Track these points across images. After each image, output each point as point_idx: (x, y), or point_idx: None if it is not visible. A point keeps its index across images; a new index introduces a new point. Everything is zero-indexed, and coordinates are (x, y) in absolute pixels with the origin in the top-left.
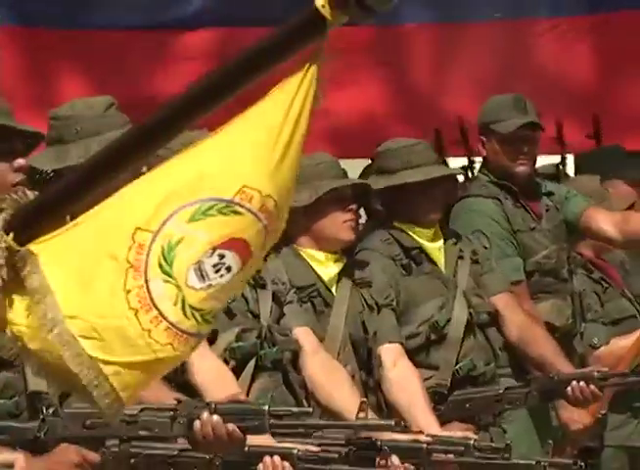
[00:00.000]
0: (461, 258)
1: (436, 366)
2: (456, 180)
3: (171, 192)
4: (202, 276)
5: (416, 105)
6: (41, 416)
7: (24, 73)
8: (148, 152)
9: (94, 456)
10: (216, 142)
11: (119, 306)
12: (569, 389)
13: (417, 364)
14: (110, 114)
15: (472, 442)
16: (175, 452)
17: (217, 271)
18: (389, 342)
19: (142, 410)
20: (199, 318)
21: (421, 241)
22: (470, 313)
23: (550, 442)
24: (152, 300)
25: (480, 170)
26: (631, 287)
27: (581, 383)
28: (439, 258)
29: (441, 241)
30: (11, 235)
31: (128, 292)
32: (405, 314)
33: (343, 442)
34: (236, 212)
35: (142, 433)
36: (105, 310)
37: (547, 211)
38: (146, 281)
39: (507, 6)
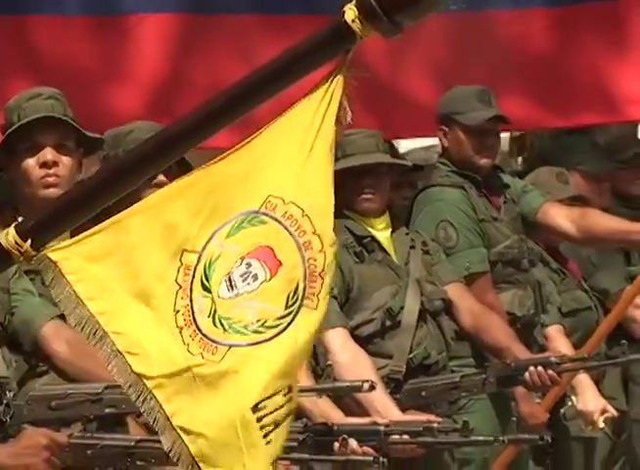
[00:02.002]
0: (412, 247)
1: (390, 355)
2: (410, 171)
3: (211, 211)
4: (231, 286)
5: (376, 94)
6: (5, 401)
7: None
8: (168, 160)
9: (62, 438)
10: (244, 155)
11: (168, 326)
12: (526, 374)
13: (371, 353)
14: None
15: (435, 424)
16: (132, 443)
17: (245, 280)
18: (333, 327)
19: (106, 388)
20: (226, 326)
21: (372, 230)
22: (422, 301)
23: (514, 418)
24: (193, 316)
25: (439, 160)
26: (599, 282)
27: (539, 368)
28: (390, 247)
29: (389, 230)
30: (28, 242)
31: (177, 312)
32: (359, 301)
33: (301, 428)
34: (262, 222)
35: (108, 411)
36: (152, 329)
37: (505, 203)
38: (190, 300)
39: None
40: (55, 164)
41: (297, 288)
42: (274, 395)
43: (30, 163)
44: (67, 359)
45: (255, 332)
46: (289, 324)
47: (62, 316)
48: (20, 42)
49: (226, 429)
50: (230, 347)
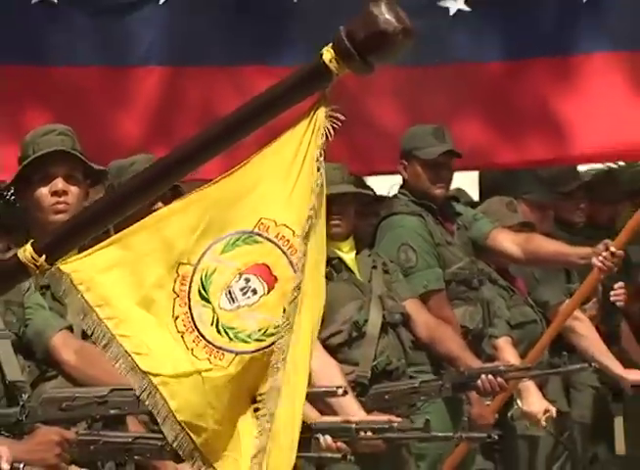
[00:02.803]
0: (374, 267)
1: (357, 362)
2: (374, 200)
3: (205, 229)
4: (231, 299)
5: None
6: (21, 402)
7: None
8: (165, 186)
9: (71, 435)
10: (236, 180)
11: (168, 329)
12: (478, 381)
13: (340, 360)
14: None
15: (395, 424)
16: (130, 440)
17: (244, 294)
18: None
19: (111, 391)
20: (231, 336)
21: (339, 252)
22: (384, 315)
23: (465, 418)
24: (194, 323)
25: (399, 190)
26: (540, 294)
27: (489, 376)
28: (355, 267)
29: (354, 252)
30: (43, 257)
31: (176, 318)
32: (329, 315)
33: None
34: (256, 242)
35: (112, 412)
36: (156, 332)
37: (458, 229)
38: (189, 308)
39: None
40: (64, 192)
41: (293, 298)
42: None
43: (43, 191)
44: (74, 366)
45: (258, 340)
46: (286, 332)
47: (69, 328)
48: (38, 87)
49: (230, 423)
50: (237, 354)
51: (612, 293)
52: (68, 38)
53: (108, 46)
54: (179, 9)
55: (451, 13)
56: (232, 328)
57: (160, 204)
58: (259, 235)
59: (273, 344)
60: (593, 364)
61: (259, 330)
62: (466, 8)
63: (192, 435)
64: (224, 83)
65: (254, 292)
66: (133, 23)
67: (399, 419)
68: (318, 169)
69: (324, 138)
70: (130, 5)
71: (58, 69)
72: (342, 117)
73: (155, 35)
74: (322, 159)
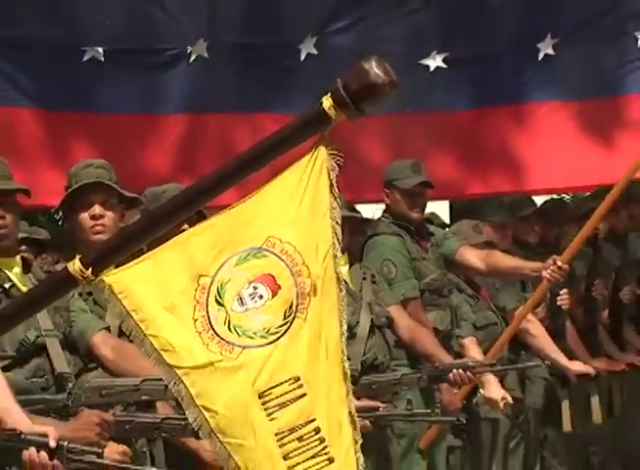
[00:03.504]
0: (364, 279)
1: (348, 357)
2: (362, 222)
3: (222, 246)
4: (241, 303)
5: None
6: (67, 390)
7: (42, 147)
8: (191, 211)
9: (109, 416)
10: (249, 205)
11: (189, 329)
12: (450, 375)
13: None
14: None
15: (380, 409)
16: (159, 420)
17: (252, 299)
18: None
19: (143, 381)
20: (239, 333)
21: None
22: (372, 319)
23: (438, 404)
24: (210, 324)
25: (382, 214)
26: (500, 300)
27: (460, 370)
28: (348, 278)
29: (347, 266)
30: (89, 270)
31: (195, 320)
32: None
33: None
34: (264, 256)
35: (144, 398)
36: (182, 333)
37: (431, 246)
38: (207, 312)
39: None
40: (101, 216)
41: (291, 305)
42: (279, 384)
43: (84, 215)
44: (111, 360)
45: (262, 337)
46: (285, 331)
47: (107, 328)
48: (85, 129)
49: (238, 408)
50: (244, 348)
51: (558, 298)
52: (112, 90)
53: (144, 97)
54: (203, 67)
55: (431, 69)
56: (240, 327)
57: (186, 225)
58: (267, 250)
59: (274, 341)
60: (546, 362)
61: (263, 329)
62: (443, 65)
63: (207, 417)
64: (239, 127)
65: (261, 297)
66: (166, 78)
67: (384, 405)
68: (334, 210)
69: (334, 175)
70: (165, 64)
71: (103, 115)
72: (342, 156)
73: (183, 88)
74: (337, 199)
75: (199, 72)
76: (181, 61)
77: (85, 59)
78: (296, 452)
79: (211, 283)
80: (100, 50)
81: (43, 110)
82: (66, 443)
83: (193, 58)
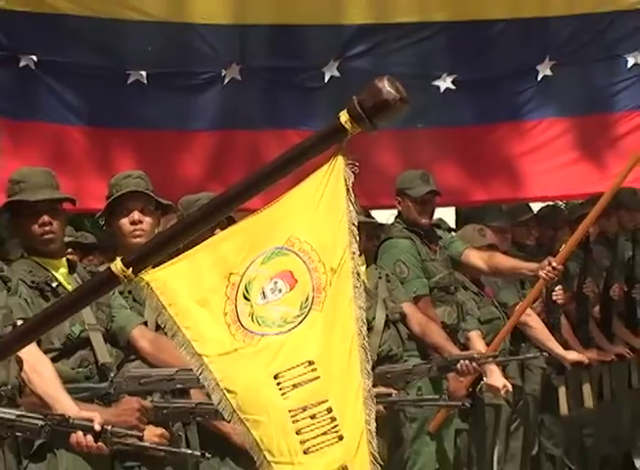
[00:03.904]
0: (380, 278)
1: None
2: (377, 227)
3: (250, 247)
4: (264, 296)
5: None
6: (109, 378)
7: (89, 159)
8: (221, 216)
9: (148, 403)
10: (274, 210)
11: (219, 322)
12: (458, 365)
13: None
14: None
15: (395, 394)
16: (193, 405)
17: (273, 292)
18: None
19: (177, 371)
20: (260, 323)
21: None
22: (386, 314)
23: (445, 391)
24: (237, 316)
25: (395, 219)
26: (501, 297)
27: (466, 361)
28: (365, 277)
29: (365, 266)
30: (130, 269)
31: (225, 314)
32: None
33: None
34: (285, 254)
35: (178, 386)
36: (212, 326)
37: (439, 248)
38: (235, 306)
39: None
40: (140, 222)
41: (307, 297)
42: (293, 367)
43: (124, 221)
44: (148, 352)
45: (279, 326)
46: (301, 321)
47: (145, 323)
48: (128, 144)
49: (255, 389)
50: (262, 335)
51: (553, 295)
52: (153, 110)
53: (182, 115)
54: (236, 89)
55: (441, 90)
56: (261, 317)
57: (218, 230)
58: (287, 249)
59: (291, 330)
60: (543, 353)
61: (281, 318)
62: (452, 86)
63: (229, 398)
64: (268, 142)
65: (280, 291)
66: (202, 98)
67: (397, 391)
68: (350, 214)
69: (350, 182)
70: (201, 85)
71: (144, 131)
72: (358, 165)
73: (218, 107)
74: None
75: (232, 93)
76: (216, 83)
77: (130, 81)
78: (308, 429)
79: (240, 280)
80: (143, 73)
81: (90, 126)
82: (109, 427)
83: (227, 80)
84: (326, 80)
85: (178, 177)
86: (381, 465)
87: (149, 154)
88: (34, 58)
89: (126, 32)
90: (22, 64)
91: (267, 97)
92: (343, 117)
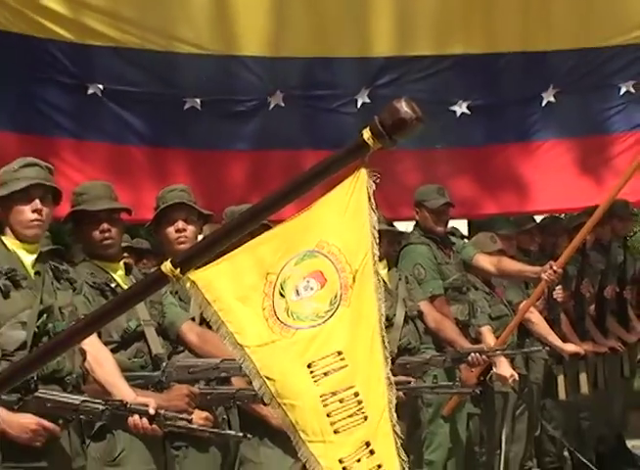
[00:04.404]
0: (400, 279)
1: (387, 342)
2: (398, 234)
3: (285, 250)
4: (297, 293)
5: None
6: (162, 368)
7: (146, 175)
8: (260, 220)
9: (195, 389)
10: (305, 217)
11: (258, 316)
12: (469, 357)
13: None
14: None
15: (413, 382)
16: (234, 391)
17: (305, 290)
18: None
19: (221, 361)
20: (294, 317)
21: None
22: (406, 312)
23: (458, 379)
24: (274, 311)
25: (414, 228)
26: (507, 296)
27: (477, 354)
28: (387, 279)
29: (387, 269)
30: (178, 269)
31: (263, 309)
32: None
33: None
34: (316, 256)
35: (222, 375)
36: (252, 319)
37: (453, 253)
38: (272, 302)
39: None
40: (184, 230)
41: (336, 294)
42: (324, 357)
43: (170, 229)
44: (196, 345)
45: (311, 320)
46: (331, 316)
47: (192, 318)
48: (179, 162)
49: (291, 376)
50: (297, 329)
51: (554, 294)
52: (206, 132)
53: (232, 137)
54: (279, 114)
55: (457, 115)
56: (296, 312)
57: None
58: (318, 252)
59: (321, 323)
60: (545, 348)
61: (313, 313)
62: (467, 111)
63: (268, 384)
64: (306, 161)
65: (312, 289)
66: (250, 122)
67: (415, 380)
68: (372, 220)
69: (372, 191)
70: (250, 111)
71: (197, 151)
72: (380, 178)
73: (262, 130)
74: (376, 211)
75: (276, 118)
76: (262, 108)
77: (186, 107)
78: (337, 411)
79: (277, 279)
80: (198, 101)
81: (149, 147)
82: (162, 411)
83: (272, 106)
84: (358, 106)
85: (226, 191)
86: (402, 440)
87: (201, 171)
88: (101, 86)
89: (182, 64)
90: (89, 91)
91: (307, 121)
92: (366, 134)
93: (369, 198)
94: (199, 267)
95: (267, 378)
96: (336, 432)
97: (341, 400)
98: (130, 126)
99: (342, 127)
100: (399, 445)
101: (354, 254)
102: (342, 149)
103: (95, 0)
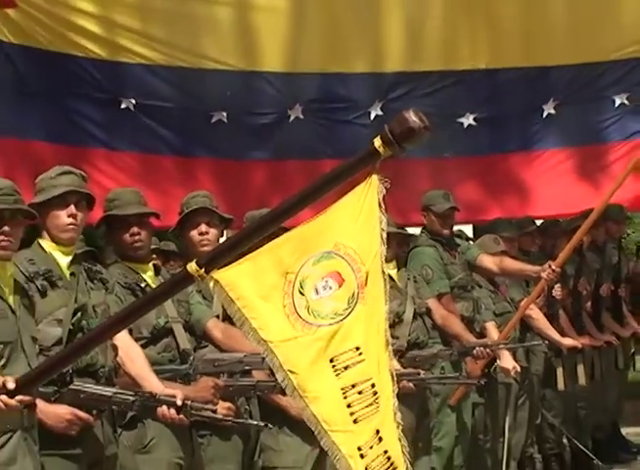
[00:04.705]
0: (409, 279)
1: (397, 337)
2: (407, 237)
3: (302, 251)
4: (317, 292)
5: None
6: (189, 362)
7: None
8: (279, 223)
9: (220, 382)
10: (321, 220)
11: (280, 313)
12: (474, 351)
13: None
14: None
15: (422, 374)
16: (255, 382)
17: (324, 289)
18: None
19: (245, 356)
20: (315, 315)
21: (388, 270)
22: (415, 309)
23: (463, 370)
24: (295, 308)
25: (421, 231)
26: (510, 293)
27: (481, 348)
28: (396, 278)
29: (396, 269)
30: (203, 269)
31: (284, 306)
32: None
33: None
34: (333, 257)
35: (246, 368)
36: (274, 316)
37: (458, 254)
38: (292, 300)
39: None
40: (207, 233)
41: (353, 293)
42: (344, 352)
43: (193, 232)
44: (220, 340)
45: (331, 318)
46: (349, 313)
47: (217, 316)
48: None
49: (314, 370)
50: (319, 326)
51: (553, 291)
52: (232, 143)
53: (255, 147)
54: (299, 125)
55: (464, 126)
56: (316, 310)
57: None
58: (335, 253)
59: (340, 321)
60: (545, 342)
61: (332, 311)
62: (474, 123)
63: (291, 377)
64: (323, 169)
65: (330, 288)
66: (272, 133)
67: (423, 372)
68: (381, 222)
69: (382, 196)
70: (272, 123)
71: (223, 160)
72: (389, 183)
73: (284, 141)
74: (385, 214)
75: (296, 129)
76: (283, 121)
77: (213, 120)
78: (356, 402)
79: (295, 278)
80: (224, 114)
81: (178, 156)
82: (189, 401)
83: (292, 118)
84: (372, 118)
85: (249, 197)
86: (410, 427)
87: (225, 179)
88: (133, 101)
89: (209, 79)
90: (122, 106)
91: (325, 132)
92: (377, 142)
93: (379, 202)
94: (222, 267)
95: (290, 371)
96: (355, 421)
97: (360, 392)
98: (160, 138)
99: (357, 138)
100: (400, 431)
101: (367, 254)
102: (354, 156)
103: (127, 20)
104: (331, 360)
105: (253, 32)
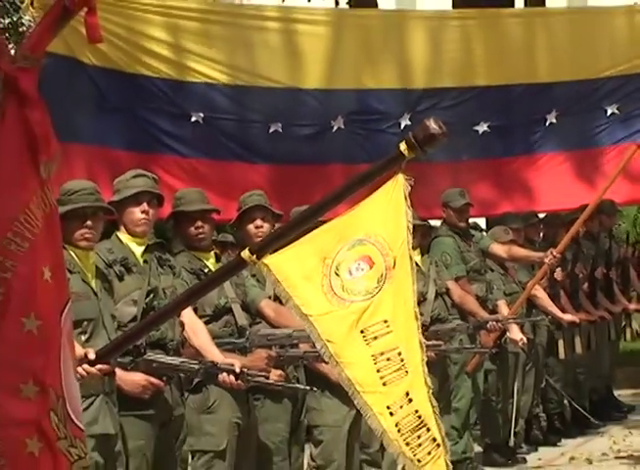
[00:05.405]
0: (431, 264)
1: (422, 313)
2: (429, 228)
3: (339, 239)
4: (350, 273)
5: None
6: (246, 336)
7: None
8: (319, 216)
9: (273, 353)
10: (354, 213)
11: (319, 291)
12: (488, 325)
13: None
14: None
15: (443, 345)
16: (302, 353)
17: (357, 271)
18: None
19: (293, 331)
20: (349, 293)
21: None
22: (436, 289)
23: (478, 341)
24: (332, 288)
25: (441, 223)
26: (518, 276)
27: (493, 322)
28: (420, 263)
29: (420, 255)
30: (255, 255)
31: (322, 286)
32: None
33: None
34: (364, 244)
35: (294, 341)
36: (314, 294)
37: (473, 243)
38: (329, 280)
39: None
40: (261, 226)
41: (382, 274)
42: (374, 324)
43: (250, 226)
44: (272, 318)
45: (364, 295)
46: (378, 291)
47: (269, 296)
48: (265, 175)
49: (348, 339)
50: (352, 302)
51: (554, 274)
52: (285, 150)
53: (306, 154)
54: (341, 134)
55: (479, 133)
56: (350, 289)
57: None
58: (366, 241)
59: (371, 298)
60: (548, 317)
61: (364, 289)
62: (488, 130)
63: (329, 346)
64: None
65: (362, 270)
66: (318, 142)
67: (444, 343)
68: (407, 215)
69: (407, 193)
70: (318, 133)
71: (279, 165)
72: (413, 181)
73: (328, 148)
74: (410, 208)
75: (338, 137)
76: (327, 130)
77: (271, 131)
78: (385, 367)
79: (332, 262)
80: (280, 125)
81: (241, 162)
82: (246, 369)
83: (335, 128)
84: (402, 127)
85: (297, 195)
86: (433, 390)
87: (278, 181)
88: (202, 114)
89: (264, 96)
90: (192, 119)
91: (362, 140)
92: (402, 146)
93: (405, 198)
94: (270, 254)
95: (328, 341)
96: (384, 384)
97: (388, 359)
98: (225, 146)
99: (389, 144)
100: (430, 393)
101: (395, 242)
102: (383, 159)
103: (193, 46)
104: (362, 331)
105: (300, 55)
